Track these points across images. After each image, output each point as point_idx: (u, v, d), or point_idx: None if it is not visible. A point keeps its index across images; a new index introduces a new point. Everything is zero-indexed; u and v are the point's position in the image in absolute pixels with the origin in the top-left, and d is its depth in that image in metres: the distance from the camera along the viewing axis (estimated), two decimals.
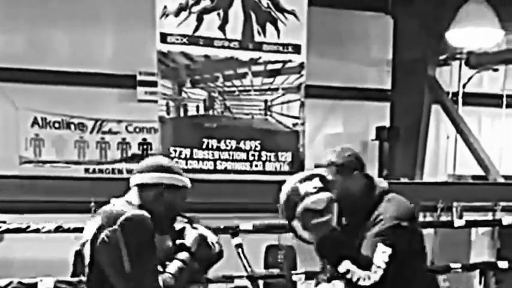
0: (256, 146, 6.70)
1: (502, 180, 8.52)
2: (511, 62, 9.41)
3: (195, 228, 3.19)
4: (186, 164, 6.51)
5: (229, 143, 6.61)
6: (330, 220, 3.37)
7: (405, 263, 3.33)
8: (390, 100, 9.07)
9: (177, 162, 6.47)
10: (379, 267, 3.26)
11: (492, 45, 8.17)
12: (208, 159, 6.57)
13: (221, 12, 6.41)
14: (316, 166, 3.56)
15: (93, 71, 8.20)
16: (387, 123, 9.14)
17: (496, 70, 9.46)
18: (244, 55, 6.54)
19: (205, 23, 6.38)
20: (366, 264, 3.29)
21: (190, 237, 3.13)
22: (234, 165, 6.65)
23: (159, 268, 3.00)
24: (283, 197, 3.40)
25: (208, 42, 6.42)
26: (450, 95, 9.31)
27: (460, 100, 9.33)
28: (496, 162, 8.96)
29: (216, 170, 6.58)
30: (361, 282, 3.26)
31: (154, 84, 6.55)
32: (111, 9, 8.20)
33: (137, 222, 2.94)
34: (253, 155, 6.71)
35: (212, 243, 3.15)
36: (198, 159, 6.54)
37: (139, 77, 8.29)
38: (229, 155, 6.62)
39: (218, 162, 6.60)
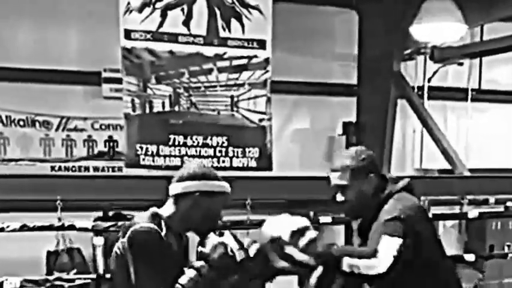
0: (223, 142, 6.68)
1: (468, 173, 8.61)
2: (475, 55, 9.51)
3: (221, 235, 3.16)
4: (153, 161, 6.48)
5: (196, 139, 6.59)
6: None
7: (415, 251, 3.33)
8: (356, 95, 9.11)
9: (143, 159, 6.47)
10: (385, 255, 3.24)
11: (456, 39, 8.22)
12: (175, 156, 6.54)
13: (185, 7, 6.38)
14: (332, 170, 3.54)
15: (58, 68, 8.13)
16: (354, 118, 9.18)
17: (460, 64, 9.56)
18: (209, 51, 6.52)
19: (170, 19, 6.35)
20: (368, 254, 3.29)
21: (210, 245, 3.10)
22: (201, 161, 6.64)
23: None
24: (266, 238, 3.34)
25: (173, 38, 6.39)
26: (416, 90, 9.39)
27: (426, 94, 9.42)
28: (462, 156, 9.05)
29: (183, 166, 6.56)
30: (370, 272, 3.26)
31: (119, 81, 6.50)
32: (75, 6, 8.14)
33: (142, 236, 3.00)
34: (220, 151, 6.69)
35: (232, 251, 3.09)
36: (164, 156, 6.51)
37: (104, 74, 8.23)
38: (196, 151, 6.60)
39: (185, 158, 6.58)
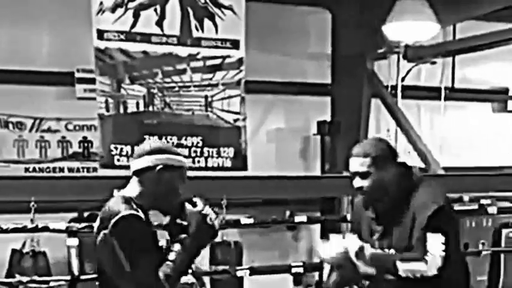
0: (198, 142, 6.69)
1: (442, 172, 8.66)
2: (448, 54, 9.58)
3: (195, 204, 3.18)
4: (128, 161, 6.45)
5: (171, 139, 6.59)
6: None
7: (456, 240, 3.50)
8: (330, 94, 9.15)
9: (118, 160, 6.46)
10: (435, 252, 3.36)
11: (429, 38, 8.28)
12: None
13: (158, 8, 6.38)
14: (348, 156, 3.63)
15: (31, 69, 8.09)
16: (328, 118, 9.22)
17: (433, 63, 9.61)
18: (183, 51, 6.53)
19: (142, 19, 6.35)
20: (418, 257, 3.40)
21: (191, 218, 3.13)
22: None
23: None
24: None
25: (146, 38, 6.38)
26: (389, 89, 9.43)
27: (399, 93, 9.45)
28: (436, 154, 9.11)
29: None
30: (425, 273, 3.37)
31: (93, 81, 6.49)
32: (48, 6, 8.11)
33: (127, 223, 2.99)
34: (195, 151, 6.70)
35: (211, 220, 3.15)
36: None
37: (77, 74, 8.20)
38: None
39: None
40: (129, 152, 6.44)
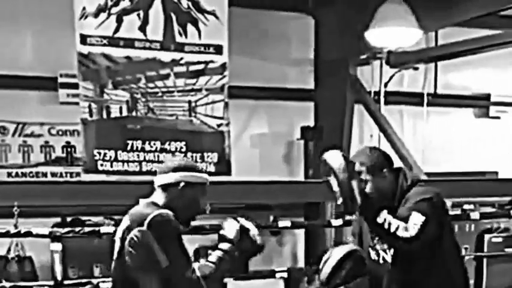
0: (181, 147, 6.71)
1: (425, 177, 8.70)
2: (430, 60, 9.65)
3: (237, 220, 3.38)
4: (111, 166, 6.48)
5: (154, 144, 6.60)
6: None
7: (439, 234, 3.61)
8: (314, 100, 9.19)
9: (101, 165, 6.46)
10: (415, 224, 3.49)
11: (411, 44, 8.33)
12: (134, 161, 6.55)
13: (141, 13, 6.40)
14: (347, 162, 3.68)
15: (14, 74, 8.07)
16: (312, 123, 9.26)
17: (416, 69, 9.67)
18: (166, 56, 6.55)
19: (126, 24, 6.36)
20: (402, 218, 3.52)
21: (231, 229, 3.33)
22: (160, 166, 6.64)
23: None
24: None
25: (129, 43, 6.40)
26: (372, 94, 9.47)
27: (382, 99, 9.49)
28: (419, 160, 9.16)
29: (141, 171, 6.57)
30: (399, 232, 3.49)
31: (76, 86, 6.50)
32: (31, 10, 8.10)
33: (164, 220, 3.19)
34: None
35: (254, 236, 3.35)
36: (123, 161, 6.51)
37: (60, 79, 8.18)
38: (154, 156, 6.61)
39: (144, 163, 6.58)
40: (112, 157, 6.45)
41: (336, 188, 3.62)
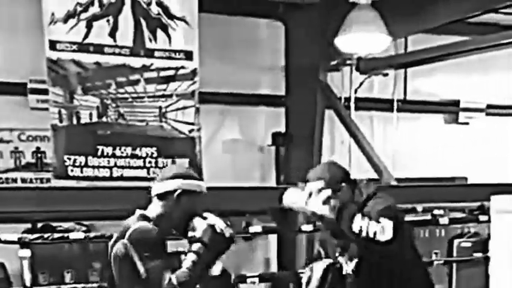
0: (152, 153, 6.72)
1: (395, 183, 8.77)
2: (400, 66, 9.72)
3: (204, 218, 3.38)
4: (82, 172, 6.47)
5: (125, 150, 6.61)
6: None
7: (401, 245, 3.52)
8: (285, 106, 9.22)
9: (72, 170, 6.45)
10: (386, 226, 3.41)
11: (380, 50, 8.40)
12: (104, 167, 6.55)
13: (111, 19, 6.41)
14: (305, 181, 3.71)
15: None
16: (283, 129, 9.29)
17: (386, 75, 9.73)
18: (136, 62, 6.56)
19: (95, 30, 6.37)
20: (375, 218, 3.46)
21: (200, 228, 3.33)
22: (130, 172, 6.65)
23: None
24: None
25: (99, 49, 6.41)
26: (343, 100, 9.52)
27: (353, 105, 9.55)
28: (389, 166, 9.22)
29: (112, 177, 6.57)
30: (378, 237, 3.40)
31: (45, 92, 6.49)
32: (0, 16, 8.05)
33: (142, 232, 3.25)
34: (150, 162, 6.72)
35: (221, 230, 3.34)
36: (93, 167, 6.52)
37: (30, 85, 8.12)
38: (125, 162, 6.62)
39: (114, 169, 6.59)
40: (83, 163, 6.44)
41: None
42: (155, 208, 3.41)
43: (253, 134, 9.52)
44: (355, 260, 3.74)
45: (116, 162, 6.58)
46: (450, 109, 10.81)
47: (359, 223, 3.44)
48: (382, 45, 8.16)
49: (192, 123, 6.90)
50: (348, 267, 3.80)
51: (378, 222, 3.44)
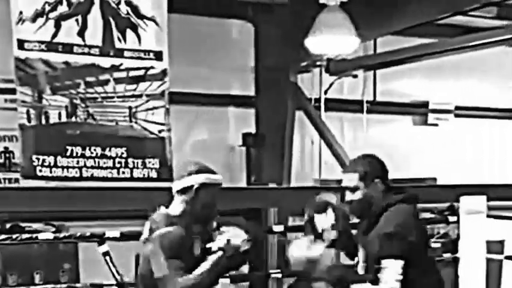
0: (122, 153, 6.69)
1: None
2: (369, 68, 9.81)
3: (223, 232, 3.59)
4: (51, 172, 6.43)
5: (94, 150, 6.57)
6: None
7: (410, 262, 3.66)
8: (255, 106, 9.26)
9: (40, 170, 6.42)
10: (390, 280, 3.60)
11: (349, 52, 8.48)
12: (73, 167, 6.51)
13: (79, 18, 6.36)
14: (344, 172, 3.95)
15: None
16: (253, 130, 9.33)
17: (355, 76, 9.83)
18: (106, 62, 6.53)
19: (64, 29, 6.32)
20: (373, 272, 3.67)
21: (218, 241, 3.54)
22: (100, 172, 6.63)
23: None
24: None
25: (68, 48, 6.36)
26: (313, 102, 9.59)
27: (323, 106, 9.62)
28: None
29: (81, 177, 6.55)
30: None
31: (13, 91, 6.45)
32: None
33: (170, 238, 3.46)
34: (119, 162, 6.69)
35: (238, 245, 3.54)
36: (62, 167, 6.47)
37: None
38: (94, 162, 6.59)
39: (84, 169, 6.55)
40: (52, 163, 6.40)
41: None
42: (177, 205, 3.61)
43: (224, 134, 9.54)
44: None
45: (85, 162, 6.54)
46: (419, 111, 10.91)
47: None
48: (351, 47, 8.23)
49: (162, 124, 6.88)
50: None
51: (379, 264, 3.63)
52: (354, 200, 3.85)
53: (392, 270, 3.61)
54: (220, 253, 3.50)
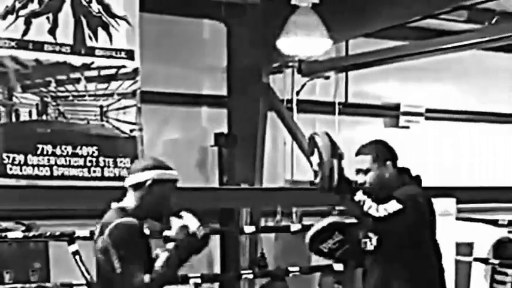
0: (93, 152, 6.69)
1: None
2: (341, 70, 9.86)
3: (180, 216, 3.53)
4: (21, 170, 6.41)
5: (65, 148, 6.57)
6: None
7: (414, 231, 3.85)
8: (227, 107, 9.28)
9: (11, 169, 6.39)
10: (386, 209, 3.74)
11: (321, 53, 8.53)
12: (44, 165, 6.50)
13: (50, 16, 6.36)
14: (357, 154, 4.07)
15: None
16: (225, 130, 9.34)
17: (327, 78, 9.87)
18: (77, 60, 6.54)
19: (35, 27, 6.32)
20: (380, 201, 3.76)
21: (174, 228, 3.48)
22: (71, 171, 6.63)
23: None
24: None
25: (39, 46, 6.36)
26: (285, 102, 9.62)
27: (295, 107, 9.65)
28: None
29: (52, 176, 6.53)
30: (371, 211, 3.73)
31: None
32: None
33: (122, 229, 3.38)
34: (90, 161, 6.69)
35: (195, 231, 3.47)
36: (33, 166, 6.46)
37: None
38: (65, 160, 6.58)
39: (54, 168, 6.54)
40: (22, 161, 6.38)
41: (315, 166, 3.88)
42: (130, 199, 3.55)
43: (196, 134, 9.53)
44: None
45: (56, 160, 6.54)
46: (391, 113, 10.97)
47: (360, 196, 3.76)
48: (323, 49, 8.28)
49: (134, 123, 6.90)
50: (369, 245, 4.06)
51: (388, 200, 3.76)
52: (367, 181, 3.98)
53: (392, 206, 3.75)
54: (172, 244, 3.46)
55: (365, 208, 3.74)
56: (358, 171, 4.04)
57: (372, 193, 3.97)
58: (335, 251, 4.20)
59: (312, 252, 4.36)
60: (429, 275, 4.01)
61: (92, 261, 5.78)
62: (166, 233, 3.63)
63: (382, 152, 4.04)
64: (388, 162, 4.01)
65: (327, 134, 3.98)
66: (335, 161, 3.84)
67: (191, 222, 3.50)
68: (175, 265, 3.45)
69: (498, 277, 7.77)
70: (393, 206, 3.76)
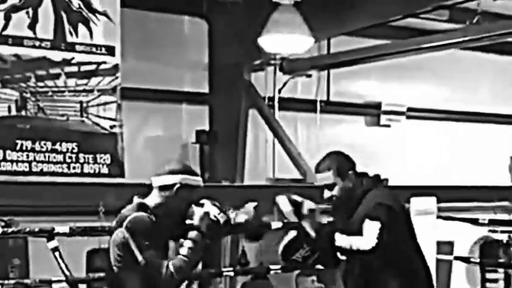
0: (73, 148, 6.66)
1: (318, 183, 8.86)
2: (322, 68, 9.88)
3: (201, 205, 3.64)
4: (0, 166, 6.38)
5: (45, 144, 6.54)
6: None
7: (394, 238, 3.86)
8: (208, 104, 9.27)
9: None
10: (371, 233, 3.78)
11: (303, 51, 8.54)
12: (23, 161, 6.46)
13: (30, 11, 6.32)
14: (318, 171, 4.10)
15: None
16: (207, 127, 9.33)
17: (309, 76, 9.88)
18: (57, 55, 6.50)
19: (14, 22, 6.26)
20: (357, 230, 3.82)
21: (197, 216, 3.59)
22: (51, 167, 6.60)
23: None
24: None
25: (18, 41, 6.31)
26: (267, 100, 9.62)
27: (276, 105, 9.65)
28: (312, 166, 9.31)
29: (31, 172, 6.50)
30: (361, 248, 3.79)
31: None
32: None
33: (139, 222, 3.50)
34: (70, 157, 6.66)
35: (215, 217, 3.59)
36: (12, 161, 6.42)
37: None
38: (45, 156, 6.55)
39: (33, 164, 6.51)
40: (1, 157, 6.34)
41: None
42: (154, 198, 3.65)
43: (177, 131, 9.51)
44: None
45: (35, 156, 6.50)
46: (372, 111, 10.99)
47: (340, 239, 3.83)
48: (305, 46, 8.30)
49: (114, 119, 6.87)
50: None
51: (362, 223, 3.81)
52: (334, 195, 4.04)
53: (372, 228, 3.79)
54: (195, 232, 3.54)
55: (354, 248, 3.80)
56: (323, 187, 4.10)
57: (341, 206, 4.06)
58: (308, 258, 4.21)
59: (286, 262, 4.41)
60: (412, 273, 4.04)
61: (72, 258, 5.86)
62: (188, 221, 3.61)
63: (342, 164, 4.08)
64: (350, 172, 4.06)
65: (287, 198, 4.03)
66: (305, 223, 3.94)
67: (212, 209, 3.61)
68: (199, 252, 3.54)
69: (489, 275, 7.85)
70: (373, 228, 3.80)
